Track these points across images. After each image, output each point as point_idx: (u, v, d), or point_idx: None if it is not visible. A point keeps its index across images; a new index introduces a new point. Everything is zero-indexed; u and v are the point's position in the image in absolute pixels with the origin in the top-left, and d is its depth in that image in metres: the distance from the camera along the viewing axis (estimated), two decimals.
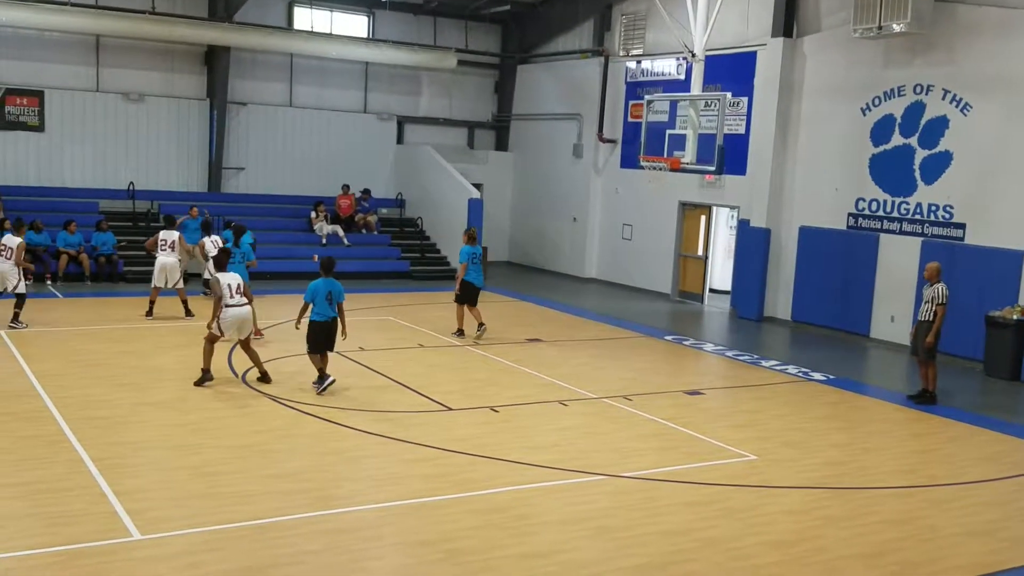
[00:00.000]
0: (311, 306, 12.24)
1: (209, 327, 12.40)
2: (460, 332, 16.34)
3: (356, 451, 10.10)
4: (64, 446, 9.62)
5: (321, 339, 12.31)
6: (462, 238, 16.78)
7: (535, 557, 7.59)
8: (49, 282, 19.62)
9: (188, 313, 16.64)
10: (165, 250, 16.61)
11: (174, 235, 16.81)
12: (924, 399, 13.52)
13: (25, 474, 8.80)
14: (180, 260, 16.81)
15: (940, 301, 13.27)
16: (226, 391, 12.18)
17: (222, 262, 12.99)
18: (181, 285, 16.76)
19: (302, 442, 10.42)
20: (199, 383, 12.28)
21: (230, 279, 12.42)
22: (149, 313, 16.44)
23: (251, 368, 12.94)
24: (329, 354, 12.52)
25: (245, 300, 12.43)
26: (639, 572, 7.43)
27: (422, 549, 7.66)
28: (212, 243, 16.65)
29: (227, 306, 12.25)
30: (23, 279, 15.41)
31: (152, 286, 16.69)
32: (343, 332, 12.40)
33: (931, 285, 13.42)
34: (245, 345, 12.61)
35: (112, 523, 7.75)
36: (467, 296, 16.23)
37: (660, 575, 7.39)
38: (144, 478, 8.91)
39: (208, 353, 12.39)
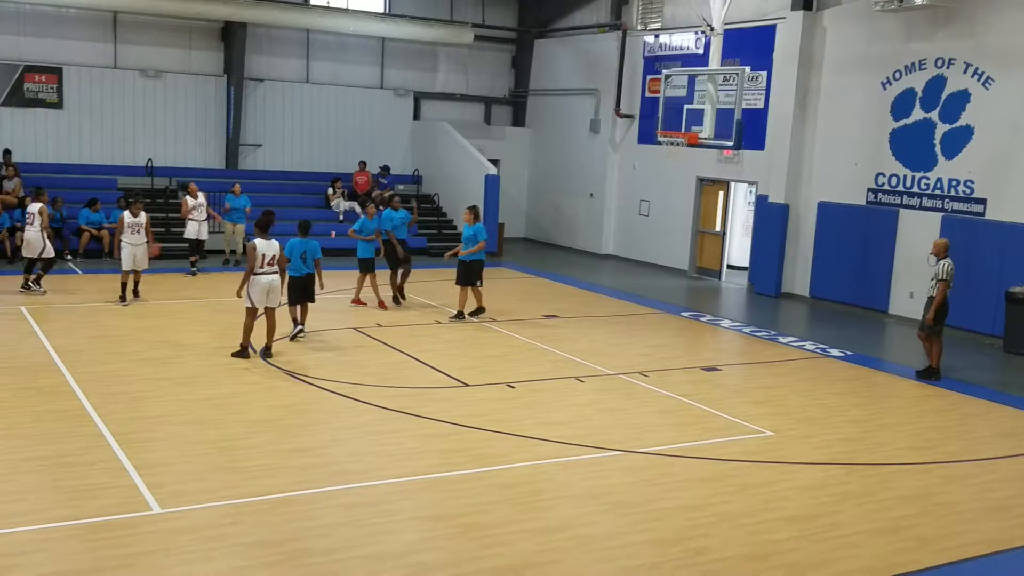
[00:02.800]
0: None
1: (239, 295, 12.76)
2: (481, 310, 16.10)
3: (373, 426, 10.16)
4: (85, 420, 9.73)
5: (298, 292, 13.67)
6: (467, 216, 16.03)
7: (551, 531, 7.64)
8: (69, 258, 19.78)
9: (124, 299, 15.63)
10: (138, 233, 15.76)
11: (141, 221, 15.82)
12: (928, 374, 13.48)
13: (46, 448, 8.91)
14: (148, 243, 15.99)
15: (941, 277, 13.19)
16: (243, 367, 12.26)
17: (263, 226, 12.69)
18: (143, 267, 15.91)
19: (319, 417, 10.51)
20: (237, 355, 12.54)
21: (266, 248, 12.56)
22: (124, 298, 15.66)
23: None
24: (309, 306, 13.89)
25: (276, 269, 12.65)
26: (654, 547, 7.47)
27: (438, 523, 7.72)
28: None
29: (256, 274, 12.47)
30: (48, 244, 15.86)
31: (123, 270, 15.70)
32: (320, 284, 13.80)
33: (938, 261, 13.33)
34: (269, 314, 12.76)
35: (133, 496, 7.85)
36: (477, 275, 15.82)
37: (675, 550, 7.42)
38: (164, 452, 9.01)
39: (248, 328, 12.64)
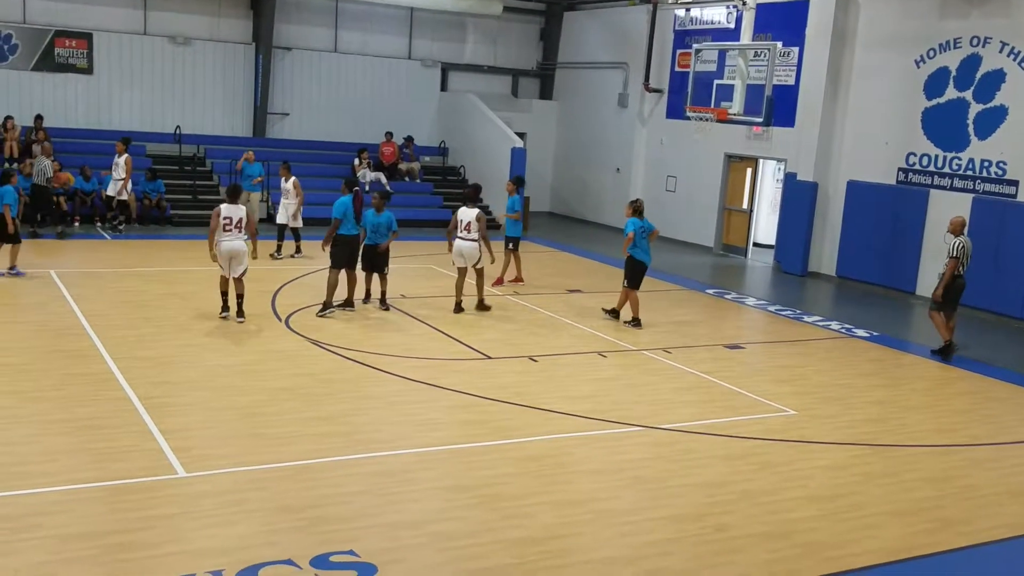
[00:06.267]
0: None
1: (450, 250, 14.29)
2: (634, 320, 14.09)
3: (396, 396, 10.21)
4: (111, 384, 9.84)
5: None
6: (626, 210, 14.23)
7: (570, 505, 7.66)
8: (98, 224, 19.94)
9: (240, 313, 12.71)
10: (230, 231, 12.44)
11: (240, 211, 12.57)
12: (944, 352, 13.40)
13: (74, 410, 9.02)
14: (248, 241, 12.72)
15: (952, 254, 13.09)
16: (268, 334, 12.34)
17: (472, 196, 14.54)
18: (243, 272, 12.64)
19: (343, 386, 10.56)
20: (457, 311, 14.05)
21: (464, 215, 13.99)
22: (225, 309, 12.76)
23: (296, 312, 13.28)
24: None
25: (473, 236, 13.91)
26: (674, 523, 7.48)
27: (459, 494, 7.76)
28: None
29: (458, 238, 14.01)
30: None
31: (220, 276, 12.84)
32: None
33: (955, 238, 13.22)
34: (463, 273, 14.22)
35: (158, 460, 7.94)
36: (636, 277, 14.00)
37: (694, 526, 7.43)
38: (189, 417, 9.10)
39: (458, 286, 14.24)
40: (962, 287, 13.27)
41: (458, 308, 14.12)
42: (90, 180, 20.15)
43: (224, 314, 12.64)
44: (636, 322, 14.01)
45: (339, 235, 13.34)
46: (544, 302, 15.35)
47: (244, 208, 12.68)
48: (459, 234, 14.01)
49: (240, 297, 12.66)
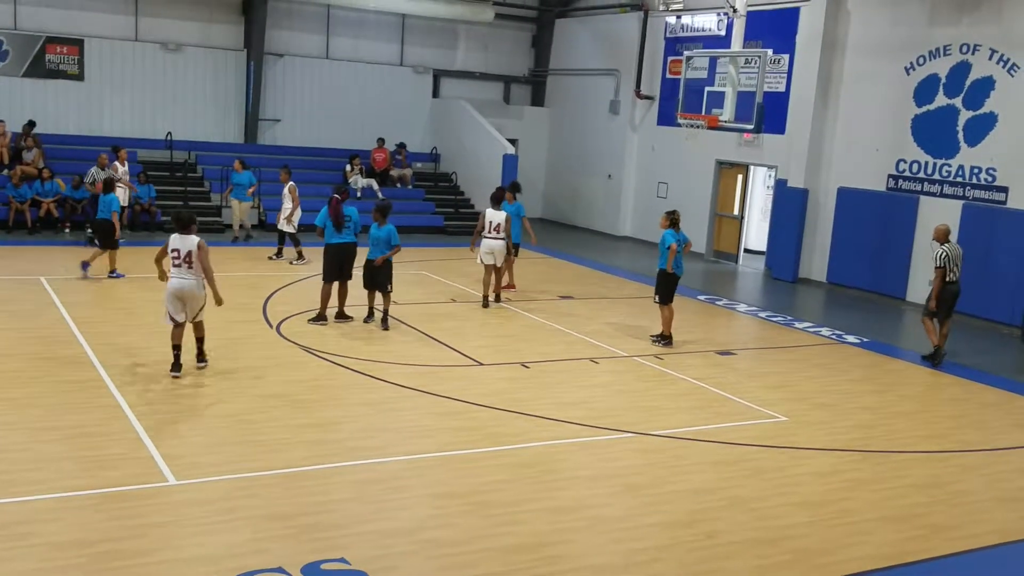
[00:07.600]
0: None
1: (472, 250, 15.70)
2: (663, 338, 13.63)
3: (387, 403, 10.20)
4: (102, 392, 9.81)
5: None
6: (661, 222, 13.77)
7: (562, 511, 7.66)
8: (89, 230, 19.86)
9: (200, 358, 10.86)
10: (179, 265, 10.42)
11: (192, 242, 10.42)
12: (933, 358, 13.44)
13: (65, 418, 9.00)
14: (203, 280, 10.53)
15: (937, 264, 13.16)
16: (260, 341, 12.32)
17: (498, 199, 15.38)
18: (202, 317, 10.69)
19: (334, 393, 10.55)
20: (484, 306, 15.08)
21: (492, 216, 14.94)
22: (175, 368, 10.48)
23: (289, 317, 13.24)
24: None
25: (501, 236, 14.88)
26: (665, 529, 7.49)
27: (450, 501, 7.76)
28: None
29: (484, 237, 14.94)
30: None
31: (169, 319, 10.50)
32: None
33: (940, 246, 13.27)
34: (490, 269, 15.16)
35: (149, 468, 7.92)
36: (670, 291, 13.61)
37: (686, 532, 7.44)
38: (180, 425, 9.08)
39: (486, 282, 15.21)
40: (956, 293, 13.32)
41: (486, 302, 15.17)
42: (79, 188, 20.07)
43: (175, 373, 10.40)
44: (664, 338, 13.51)
45: (326, 244, 13.33)
46: (535, 308, 15.37)
47: (196, 240, 10.41)
48: (487, 234, 14.93)
49: (200, 340, 10.77)
